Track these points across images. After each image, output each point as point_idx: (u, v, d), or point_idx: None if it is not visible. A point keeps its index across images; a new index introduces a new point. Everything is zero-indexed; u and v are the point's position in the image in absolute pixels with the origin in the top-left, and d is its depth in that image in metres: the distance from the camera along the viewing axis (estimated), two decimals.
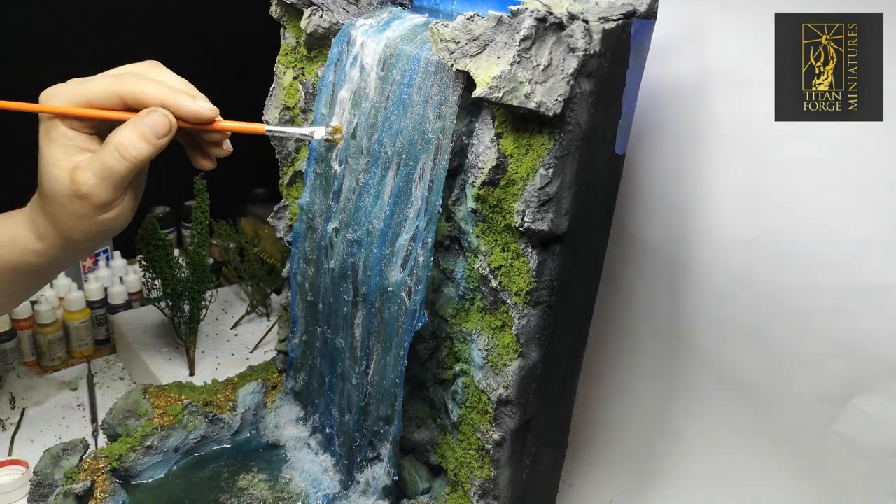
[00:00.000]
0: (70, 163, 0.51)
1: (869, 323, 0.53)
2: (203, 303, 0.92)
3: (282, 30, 0.68)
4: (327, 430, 0.69)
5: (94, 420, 0.88)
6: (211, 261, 1.02)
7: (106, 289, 1.05)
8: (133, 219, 0.58)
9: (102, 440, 0.81)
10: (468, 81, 0.50)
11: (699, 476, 0.67)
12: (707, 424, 0.66)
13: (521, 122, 0.49)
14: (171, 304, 0.90)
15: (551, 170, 0.48)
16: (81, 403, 0.92)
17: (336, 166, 0.62)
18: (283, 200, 0.72)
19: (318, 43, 0.65)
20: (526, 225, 0.49)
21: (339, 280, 0.63)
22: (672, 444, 0.69)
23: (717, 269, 0.61)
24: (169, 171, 0.70)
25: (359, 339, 0.62)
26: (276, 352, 0.79)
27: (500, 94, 0.47)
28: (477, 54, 0.49)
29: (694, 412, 0.67)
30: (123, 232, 0.59)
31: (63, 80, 0.54)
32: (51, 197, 0.53)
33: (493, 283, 0.53)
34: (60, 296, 1.03)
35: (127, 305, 1.06)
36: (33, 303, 0.97)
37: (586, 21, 0.46)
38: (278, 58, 0.69)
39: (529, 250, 0.51)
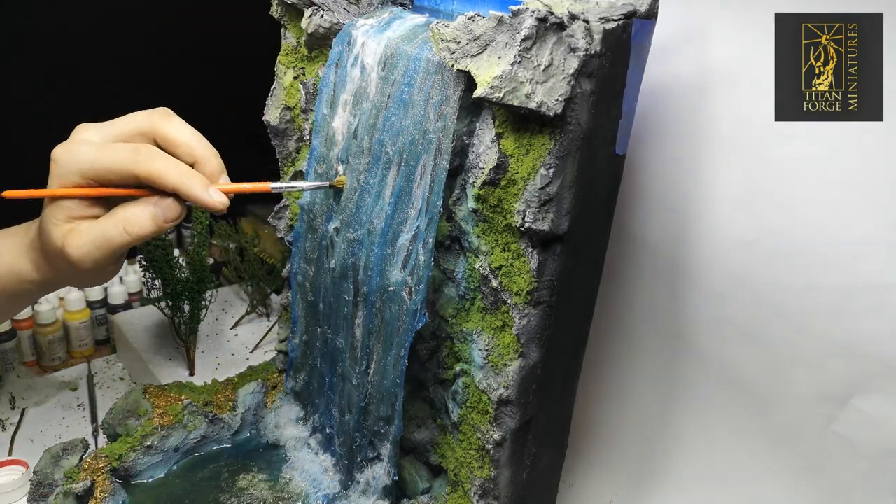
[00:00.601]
0: (66, 226, 0.52)
1: (869, 323, 0.53)
2: (203, 303, 0.92)
3: (282, 30, 0.68)
4: (327, 430, 0.69)
5: (94, 420, 0.88)
6: (211, 261, 1.02)
7: (106, 289, 1.06)
8: None
9: (102, 440, 0.81)
10: (469, 81, 0.50)
11: (699, 476, 0.67)
12: (707, 424, 0.66)
13: (522, 122, 0.49)
14: (171, 304, 0.90)
15: (552, 170, 0.48)
16: (81, 403, 0.92)
17: (337, 167, 0.62)
18: (283, 200, 0.72)
19: (319, 43, 0.65)
20: (526, 225, 0.49)
21: (339, 280, 0.63)
22: (672, 444, 0.69)
23: (717, 269, 0.61)
24: None
25: (359, 338, 0.62)
26: (276, 352, 0.79)
27: (501, 94, 0.47)
28: (478, 54, 0.49)
29: (693, 412, 0.67)
30: None
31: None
32: (44, 248, 0.54)
33: (494, 283, 0.53)
34: (60, 296, 1.03)
35: (127, 305, 1.06)
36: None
37: (587, 21, 0.46)
38: (279, 58, 0.69)
39: (530, 250, 0.51)
